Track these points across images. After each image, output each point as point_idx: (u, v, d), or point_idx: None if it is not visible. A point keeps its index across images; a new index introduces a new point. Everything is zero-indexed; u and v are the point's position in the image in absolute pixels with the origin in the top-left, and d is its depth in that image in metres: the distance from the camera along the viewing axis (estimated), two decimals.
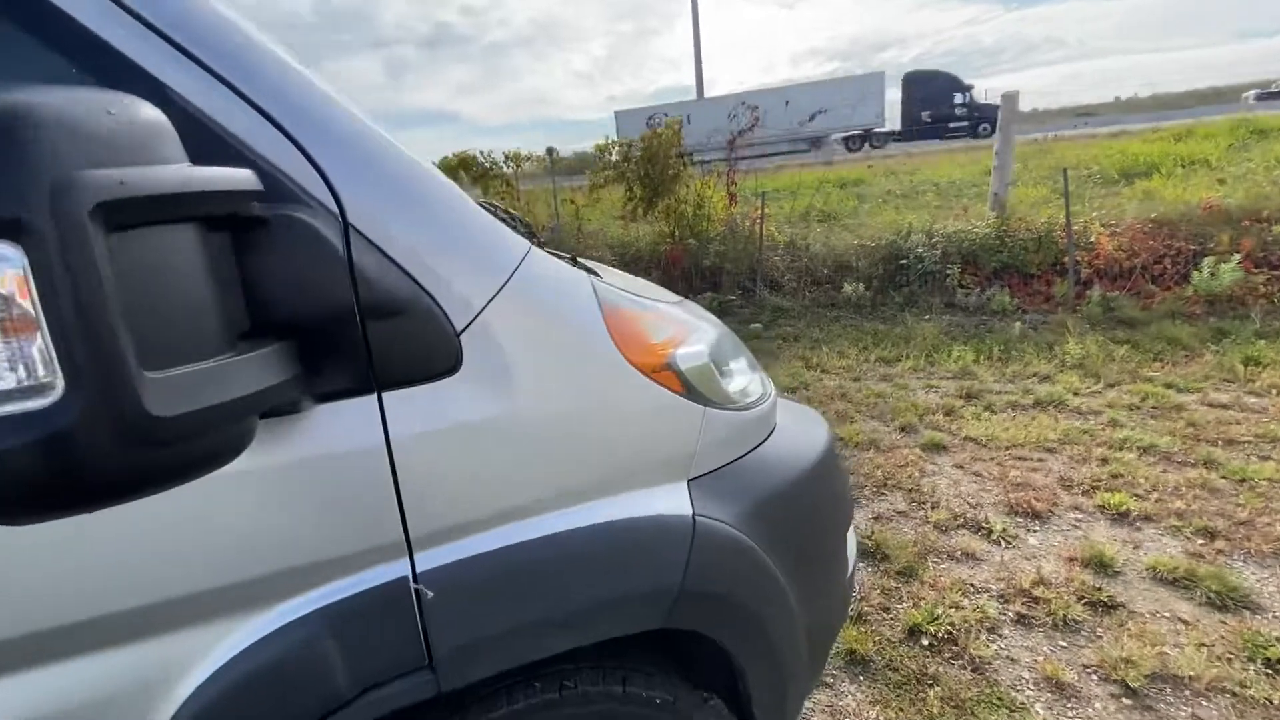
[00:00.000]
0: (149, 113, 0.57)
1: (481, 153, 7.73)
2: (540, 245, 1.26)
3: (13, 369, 0.48)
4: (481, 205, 1.00)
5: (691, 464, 1.07)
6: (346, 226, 0.77)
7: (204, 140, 0.70)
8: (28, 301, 0.48)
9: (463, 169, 7.78)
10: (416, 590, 0.85)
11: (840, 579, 1.39)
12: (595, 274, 1.33)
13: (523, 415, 0.90)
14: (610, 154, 7.07)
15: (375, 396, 0.82)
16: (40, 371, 0.48)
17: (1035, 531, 2.49)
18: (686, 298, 5.79)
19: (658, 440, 1.03)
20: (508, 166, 7.69)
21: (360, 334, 0.78)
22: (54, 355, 0.48)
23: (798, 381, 4.42)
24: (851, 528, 1.51)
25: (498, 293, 0.88)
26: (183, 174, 0.58)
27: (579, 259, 1.55)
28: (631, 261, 6.86)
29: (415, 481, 0.85)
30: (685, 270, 6.42)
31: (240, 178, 0.67)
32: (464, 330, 0.85)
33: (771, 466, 1.22)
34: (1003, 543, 2.43)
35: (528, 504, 0.93)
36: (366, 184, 0.80)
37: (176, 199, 0.57)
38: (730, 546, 1.05)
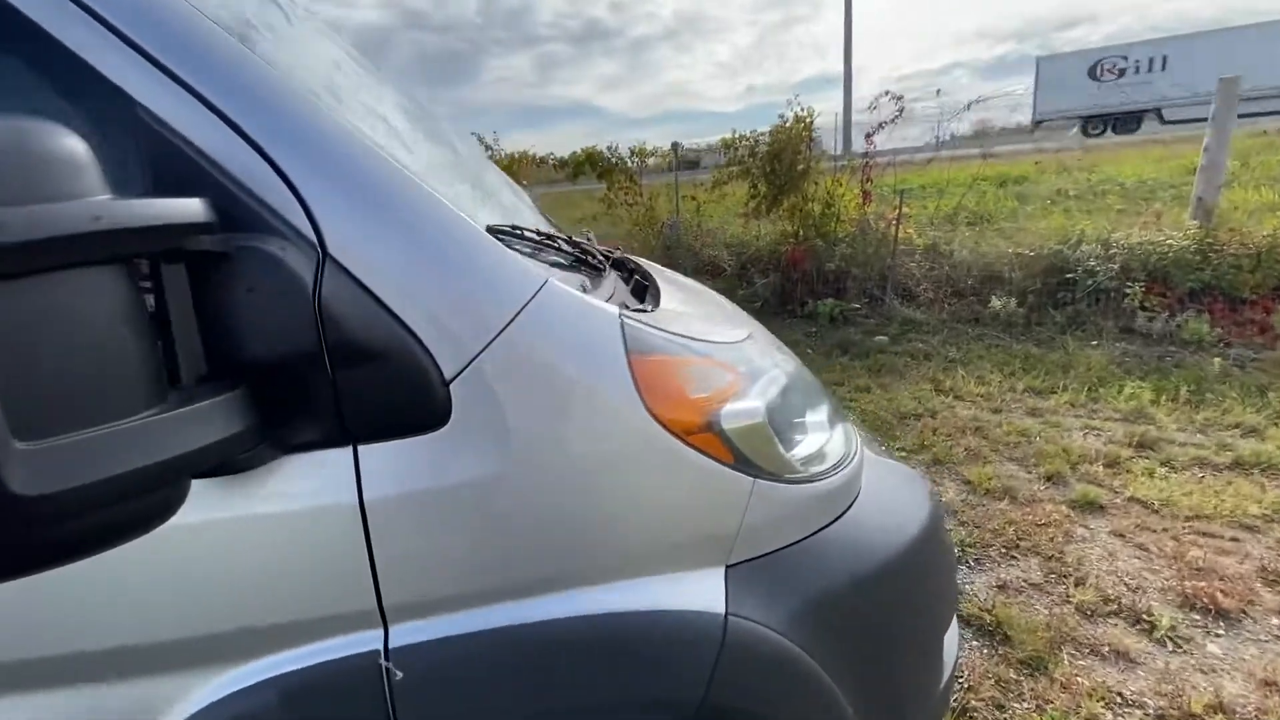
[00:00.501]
0: (54, 142, 0.49)
1: (608, 148, 7.80)
2: (605, 264, 1.12)
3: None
4: (539, 235, 0.84)
5: (732, 548, 0.87)
6: (322, 258, 0.67)
7: (168, 159, 0.63)
8: None
9: (589, 164, 7.88)
10: (386, 668, 0.74)
11: (930, 690, 1.13)
12: (643, 293, 1.16)
13: (521, 481, 0.76)
14: (736, 149, 6.80)
15: (350, 450, 0.72)
16: None
17: (1218, 636, 1.97)
18: (805, 302, 5.49)
19: (688, 517, 0.85)
20: (632, 161, 7.69)
21: (330, 380, 0.68)
22: None
23: (923, 407, 3.95)
24: (954, 625, 1.23)
25: (498, 335, 0.74)
26: (96, 210, 0.50)
27: (641, 272, 1.39)
28: (750, 263, 6.57)
29: (391, 546, 0.74)
30: (806, 273, 6.02)
31: (181, 209, 0.58)
32: (455, 379, 0.73)
33: (843, 553, 0.99)
34: (1169, 644, 1.94)
35: (523, 583, 0.80)
36: (352, 209, 0.70)
37: (81, 240, 0.49)
38: (771, 656, 0.85)
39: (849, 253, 5.89)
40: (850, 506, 1.07)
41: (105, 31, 0.63)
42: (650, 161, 7.99)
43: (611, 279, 1.21)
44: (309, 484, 0.71)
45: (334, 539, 0.72)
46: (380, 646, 0.76)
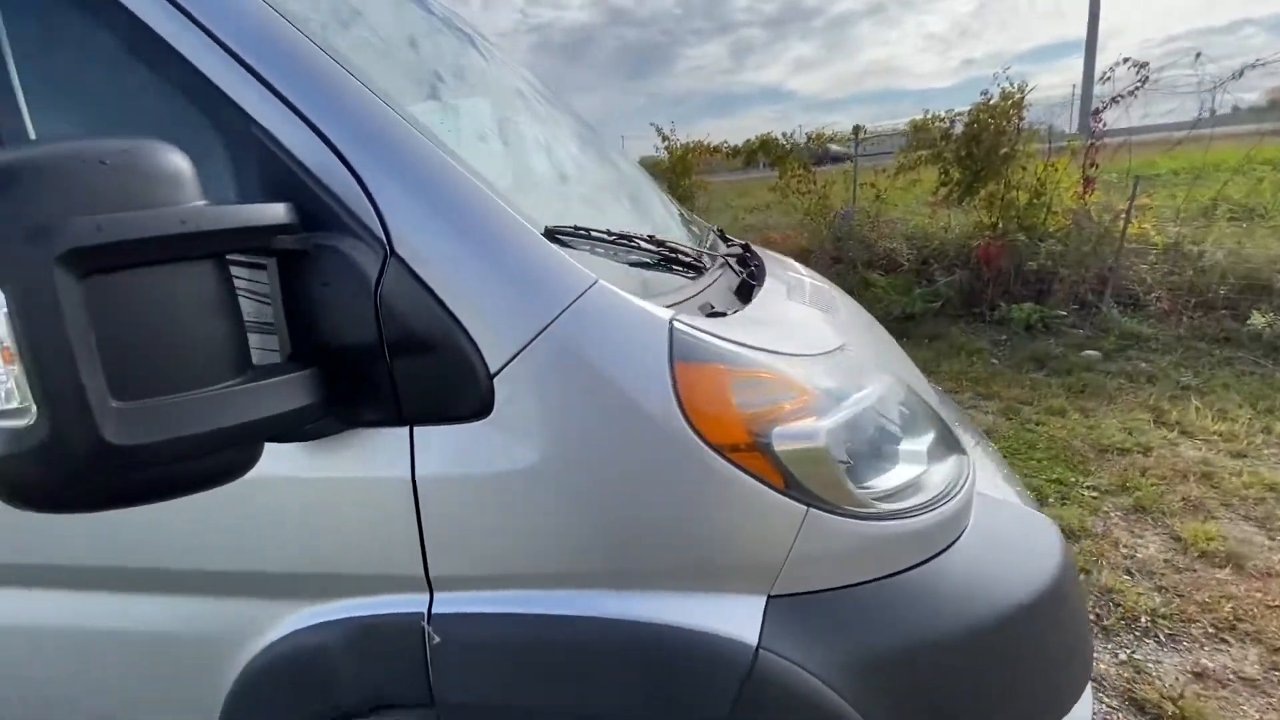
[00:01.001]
0: (160, 160, 0.60)
1: (784, 135, 7.52)
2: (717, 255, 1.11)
3: (5, 397, 0.55)
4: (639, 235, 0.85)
5: (776, 578, 0.81)
6: (388, 256, 0.74)
7: (276, 171, 0.74)
8: (17, 342, 0.55)
9: (762, 151, 7.67)
10: (422, 628, 0.82)
11: None
12: (749, 293, 1.12)
13: (553, 477, 0.78)
14: (927, 131, 6.15)
15: (406, 430, 0.79)
16: (16, 397, 0.55)
17: None
18: (997, 306, 4.91)
19: (724, 538, 0.80)
20: (809, 148, 7.32)
21: (389, 367, 0.76)
22: (26, 384, 0.55)
23: (1134, 441, 3.29)
24: (1086, 709, 1.03)
25: (540, 333, 0.76)
26: (185, 215, 0.61)
27: (756, 271, 1.33)
28: (932, 257, 5.94)
29: (438, 520, 0.80)
30: (1001, 272, 5.29)
31: (267, 213, 0.68)
32: (498, 372, 0.76)
33: (926, 604, 0.87)
34: None
35: (553, 575, 0.82)
36: (420, 211, 0.76)
37: (167, 241, 0.59)
38: (805, 703, 0.78)
39: (1058, 250, 5.06)
40: (946, 550, 0.93)
41: (232, 60, 0.75)
42: (831, 147, 7.54)
43: (709, 278, 1.17)
44: (370, 457, 0.80)
45: (389, 507, 0.81)
46: (425, 610, 0.84)
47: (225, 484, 0.69)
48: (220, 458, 0.67)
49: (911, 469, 0.94)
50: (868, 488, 0.88)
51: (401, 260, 0.75)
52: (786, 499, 0.80)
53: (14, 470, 0.57)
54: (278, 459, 0.76)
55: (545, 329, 0.77)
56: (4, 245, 0.53)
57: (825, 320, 1.21)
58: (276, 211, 0.70)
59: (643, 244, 1.05)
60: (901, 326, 5.64)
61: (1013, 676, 0.93)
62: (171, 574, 0.89)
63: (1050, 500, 2.83)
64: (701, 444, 0.78)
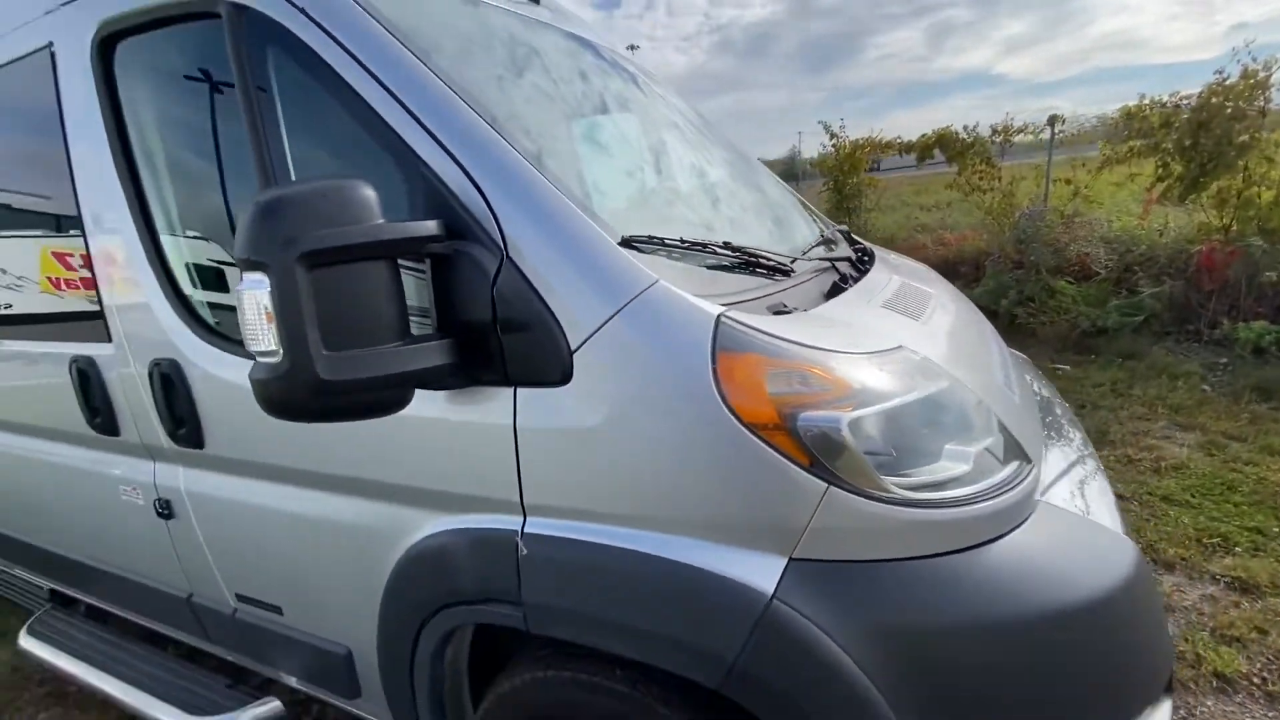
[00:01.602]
0: (356, 193, 0.91)
1: (965, 128, 6.92)
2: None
3: (268, 342, 0.88)
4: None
5: (798, 543, 0.95)
6: (503, 259, 1.00)
7: (431, 191, 1.03)
8: (274, 308, 0.87)
9: (940, 146, 7.14)
10: (513, 542, 1.07)
11: None
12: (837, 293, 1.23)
13: (614, 436, 0.99)
14: (1144, 118, 5.31)
15: (512, 390, 1.05)
16: (273, 344, 0.88)
17: None
18: (1218, 323, 4.44)
19: (749, 502, 0.95)
20: (994, 140, 6.67)
21: (491, 341, 1.01)
22: (284, 335, 0.87)
23: None
24: None
25: (607, 321, 0.97)
26: (371, 229, 0.90)
27: (849, 274, 1.43)
28: (1138, 264, 5.15)
29: (530, 460, 1.06)
30: (1228, 283, 4.45)
31: (420, 229, 0.97)
32: (576, 349, 0.99)
33: (945, 590, 0.94)
34: None
35: (612, 513, 1.03)
36: (525, 223, 1.01)
37: (360, 247, 0.90)
38: (807, 653, 0.91)
39: None
40: (982, 545, 0.98)
41: (405, 106, 1.06)
42: (1019, 139, 6.77)
43: (795, 280, 1.30)
44: (485, 408, 1.07)
45: (497, 447, 1.07)
46: (519, 529, 1.09)
47: (386, 416, 1.00)
48: (385, 395, 0.98)
49: (952, 466, 1.00)
50: (903, 476, 0.97)
51: (512, 262, 1.00)
52: (810, 475, 0.93)
53: (269, 390, 0.91)
54: (422, 403, 1.06)
55: (611, 318, 0.97)
56: (271, 248, 0.85)
57: (898, 323, 1.26)
58: (430, 226, 0.99)
59: (719, 250, 1.21)
60: (1089, 342, 5.00)
61: (1034, 681, 0.95)
62: (359, 481, 1.25)
63: (1237, 550, 2.44)
64: (736, 421, 0.93)
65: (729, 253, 1.23)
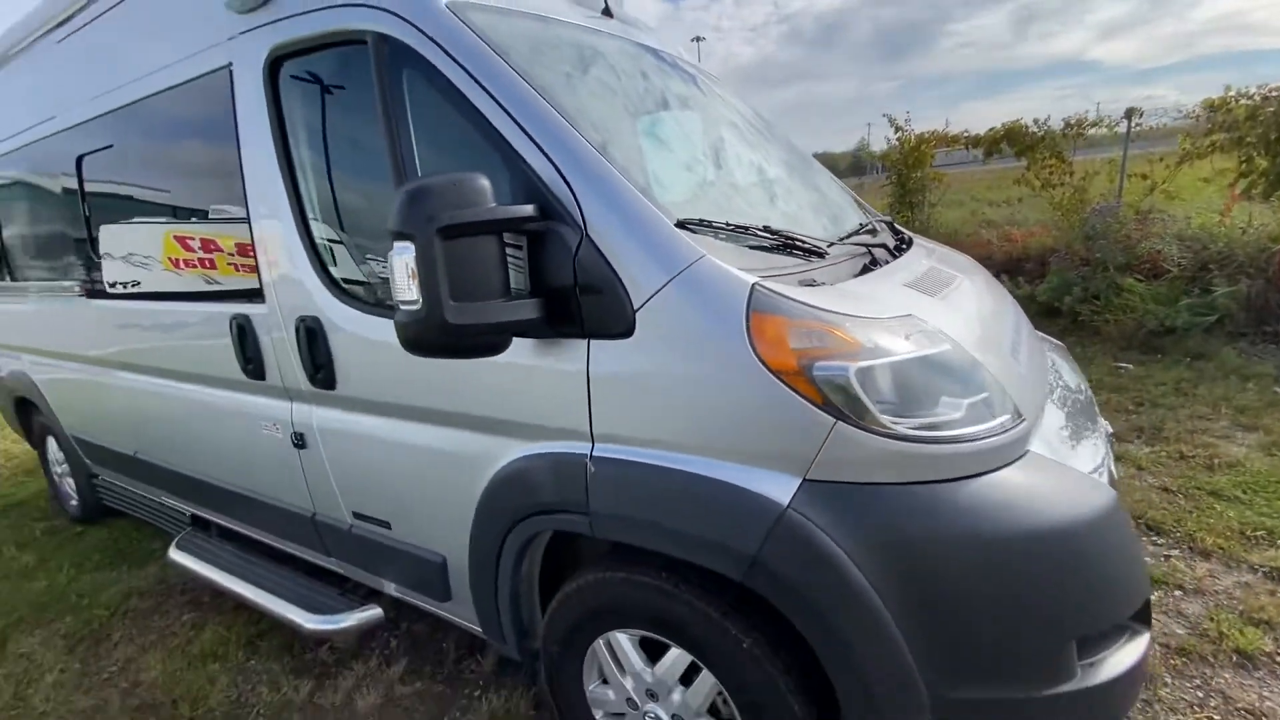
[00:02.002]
0: (476, 183, 1.19)
1: (1035, 120, 6.75)
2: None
3: (411, 294, 1.19)
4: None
5: (810, 466, 1.18)
6: (583, 236, 1.27)
7: (529, 183, 1.32)
8: (417, 268, 1.17)
9: (1007, 140, 7.00)
10: (584, 464, 1.35)
11: (1039, 687, 1.17)
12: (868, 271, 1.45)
13: (667, 378, 1.26)
14: (1229, 110, 5.10)
15: (586, 341, 1.32)
16: (418, 296, 1.18)
17: None
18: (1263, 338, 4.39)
19: (772, 432, 1.19)
20: (1066, 134, 6.49)
21: (573, 301, 1.29)
22: (422, 289, 1.17)
23: None
24: (1128, 655, 1.20)
25: (663, 286, 1.24)
26: (486, 211, 1.19)
27: (881, 257, 1.63)
28: (1214, 262, 4.97)
29: (599, 399, 1.33)
30: None
31: (521, 211, 1.25)
32: (639, 309, 1.26)
33: (931, 510, 1.16)
34: None
35: (661, 439, 1.30)
36: (601, 208, 1.28)
37: (480, 224, 1.19)
38: (812, 550, 1.14)
39: None
40: (971, 478, 1.18)
41: (510, 115, 1.34)
42: (1094, 133, 6.53)
43: (830, 260, 1.52)
44: (565, 355, 1.34)
45: (573, 387, 1.34)
46: (588, 453, 1.37)
47: (492, 356, 1.29)
48: (492, 339, 1.27)
49: (945, 413, 1.20)
50: (903, 417, 1.17)
51: (590, 239, 1.27)
52: (821, 412, 1.15)
53: (410, 331, 1.22)
54: (517, 350, 1.35)
55: (666, 284, 1.23)
56: (417, 223, 1.15)
57: (914, 298, 1.45)
58: (529, 209, 1.27)
59: (760, 233, 1.44)
60: (1156, 342, 4.89)
61: (1005, 590, 1.14)
62: (460, 415, 1.56)
63: None
64: (764, 368, 1.17)
65: (768, 235, 1.46)
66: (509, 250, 1.27)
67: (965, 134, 7.83)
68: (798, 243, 1.50)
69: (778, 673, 1.27)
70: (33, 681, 2.43)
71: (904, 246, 2.01)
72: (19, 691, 2.37)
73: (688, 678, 1.43)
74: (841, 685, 1.21)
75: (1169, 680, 1.91)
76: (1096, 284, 5.44)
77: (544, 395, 1.41)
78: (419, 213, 1.15)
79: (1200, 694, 1.85)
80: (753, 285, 1.22)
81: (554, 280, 1.30)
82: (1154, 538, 2.62)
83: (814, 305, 1.23)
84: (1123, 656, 1.23)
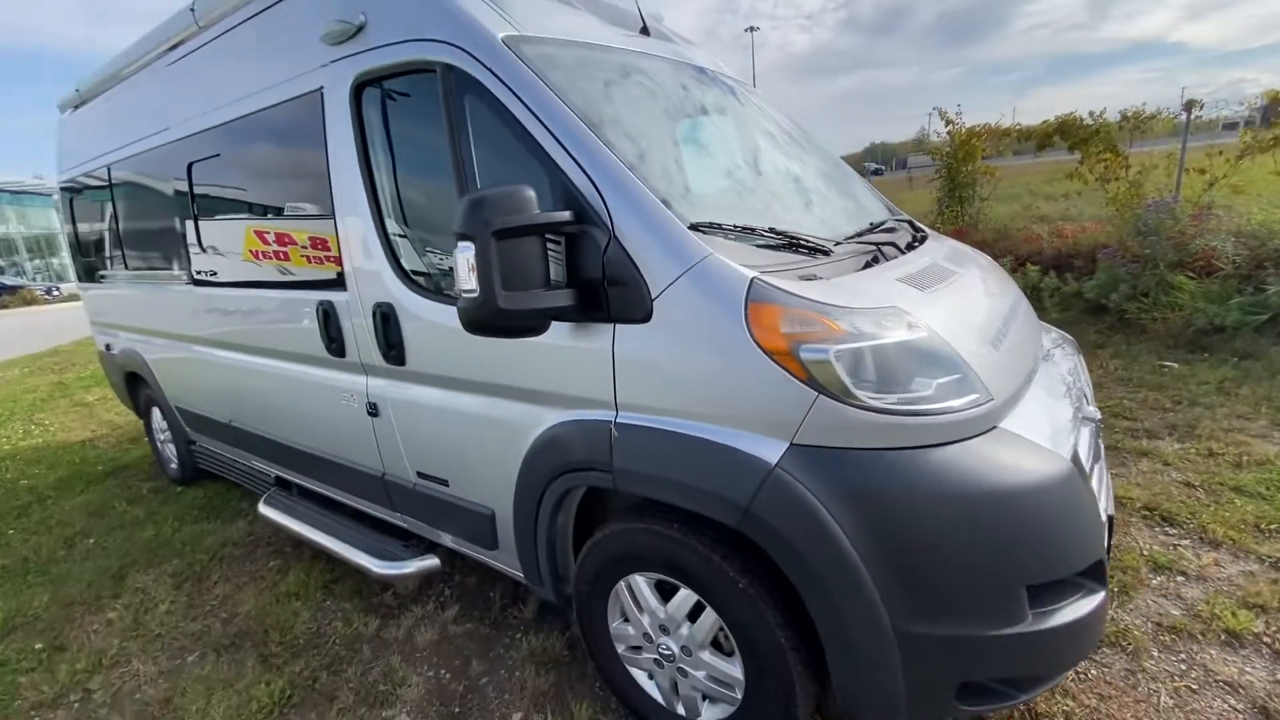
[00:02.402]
0: (524, 193, 1.46)
1: (1090, 113, 6.60)
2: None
3: (471, 285, 1.46)
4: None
5: (796, 432, 1.40)
6: (612, 237, 1.52)
7: (567, 193, 1.58)
8: (476, 264, 1.45)
9: (1060, 134, 6.86)
10: (609, 429, 1.61)
11: (995, 626, 1.36)
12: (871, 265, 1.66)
13: (678, 356, 1.50)
14: None
15: (612, 325, 1.57)
16: (475, 286, 1.46)
17: None
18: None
19: (764, 403, 1.42)
20: (1122, 127, 6.32)
21: (602, 291, 1.54)
22: (480, 280, 1.44)
23: None
24: (1084, 601, 1.38)
25: (676, 279, 1.48)
26: (532, 216, 1.46)
27: (884, 255, 1.82)
28: (1274, 260, 4.83)
29: (622, 373, 1.59)
30: None
31: (560, 216, 1.51)
32: (656, 298, 1.50)
33: (900, 472, 1.37)
34: None
35: (671, 408, 1.54)
36: (626, 213, 1.53)
37: (527, 228, 1.45)
38: (794, 503, 1.37)
39: None
40: (938, 446, 1.37)
41: (555, 138, 1.60)
42: (1155, 125, 6.32)
43: (834, 257, 1.72)
44: (594, 337, 1.60)
45: (602, 364, 1.60)
46: (613, 419, 1.62)
47: (534, 337, 1.57)
48: (535, 322, 1.54)
49: (917, 390, 1.40)
50: (879, 393, 1.38)
51: (616, 239, 1.52)
52: (806, 387, 1.37)
53: (469, 314, 1.49)
54: (555, 332, 1.61)
55: (679, 277, 1.46)
56: (476, 227, 1.42)
57: (903, 291, 1.63)
58: (566, 215, 1.53)
59: (765, 234, 1.66)
60: (1205, 340, 4.80)
61: (963, 540, 1.33)
62: (509, 388, 1.84)
63: None
64: (758, 349, 1.39)
65: (774, 235, 1.67)
66: (549, 248, 1.54)
67: (1017, 126, 7.70)
68: (802, 242, 1.71)
69: (768, 610, 1.50)
70: (148, 610, 2.87)
71: (916, 244, 2.18)
72: (137, 618, 2.82)
73: (694, 615, 1.68)
74: (820, 620, 1.42)
75: (1155, 654, 2.04)
76: (1145, 281, 5.35)
77: (576, 370, 1.67)
78: (478, 218, 1.42)
79: (1183, 666, 1.98)
80: (752, 279, 1.44)
81: (586, 273, 1.56)
82: (1166, 528, 2.70)
83: (804, 296, 1.45)
84: (1074, 610, 1.41)
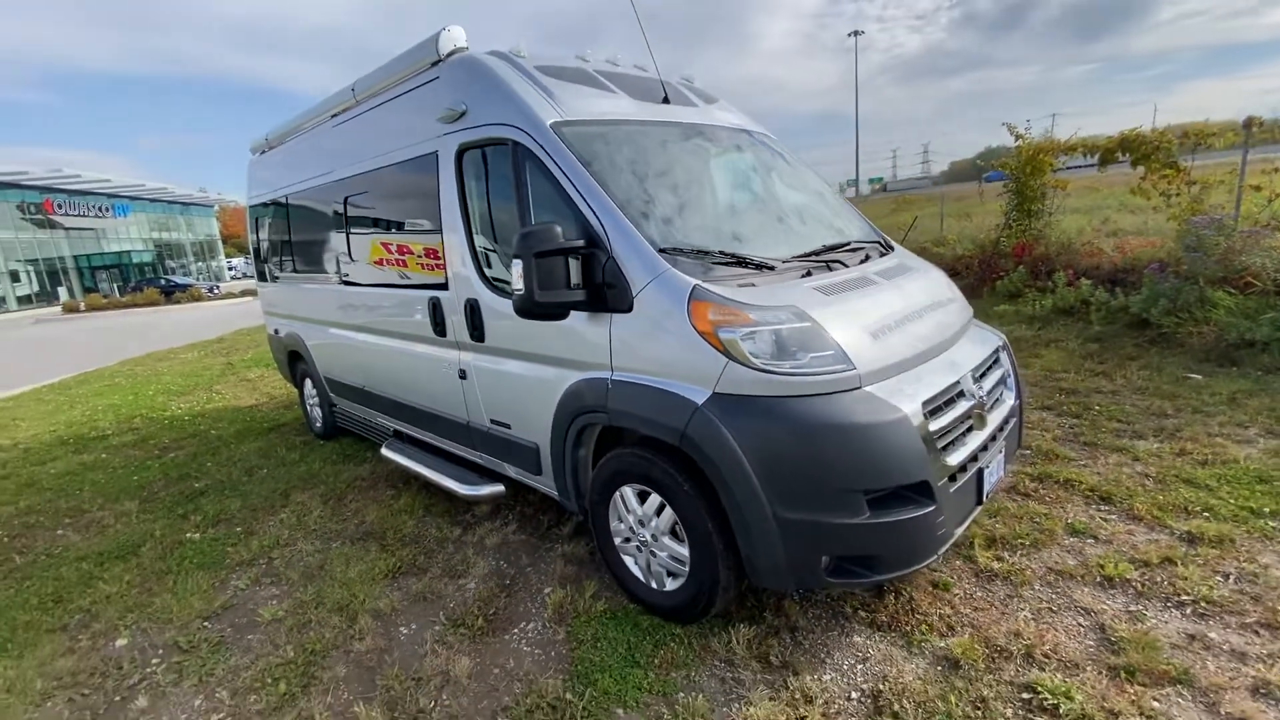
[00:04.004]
0: (554, 229, 2.32)
1: (1152, 129, 6.63)
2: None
3: (520, 286, 2.34)
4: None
5: (715, 384, 2.17)
6: (610, 257, 2.37)
7: (584, 228, 2.44)
8: (524, 273, 2.33)
9: (1123, 149, 6.93)
10: (606, 384, 2.45)
11: (839, 515, 2.06)
12: (810, 275, 2.38)
13: (647, 335, 2.31)
14: None
15: (609, 314, 2.41)
16: (520, 284, 2.34)
17: None
18: None
19: (697, 366, 2.20)
20: (1183, 142, 6.33)
21: (603, 292, 2.38)
22: (525, 284, 2.32)
23: None
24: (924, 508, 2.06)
25: (646, 285, 2.29)
26: (559, 243, 2.33)
27: (828, 268, 2.53)
28: None
29: (616, 346, 2.43)
30: None
31: (577, 243, 2.37)
32: (636, 295, 2.32)
33: (780, 413, 2.10)
34: None
35: (644, 369, 2.36)
36: (619, 241, 2.36)
37: (556, 250, 2.32)
38: (710, 429, 2.14)
39: None
40: (810, 397, 2.09)
41: (577, 191, 2.45)
42: (1217, 142, 6.23)
43: (780, 271, 2.46)
44: (597, 323, 2.43)
45: (603, 340, 2.43)
46: (609, 377, 2.45)
47: (559, 322, 2.44)
48: (559, 310, 2.40)
49: (797, 361, 2.12)
50: (772, 361, 2.11)
51: (613, 257, 2.35)
52: (721, 355, 2.13)
53: (519, 305, 2.36)
54: (574, 319, 2.47)
55: (650, 283, 2.27)
56: (524, 250, 2.29)
57: (813, 295, 2.32)
58: (581, 243, 2.38)
59: (720, 254, 2.43)
60: (1236, 354, 4.94)
61: (807, 456, 2.03)
62: (547, 356, 2.71)
63: (1206, 515, 2.91)
64: (694, 332, 2.17)
65: (726, 256, 2.44)
66: (570, 263, 2.39)
67: (1083, 140, 7.76)
68: (749, 260, 2.46)
69: (701, 506, 2.26)
70: (305, 515, 4.00)
71: (868, 259, 2.87)
72: (299, 519, 3.95)
73: (660, 512, 2.46)
74: (729, 510, 2.17)
75: (1036, 587, 2.58)
76: (1185, 296, 5.48)
77: (587, 344, 2.51)
78: (525, 245, 2.30)
79: (1055, 597, 2.51)
80: (694, 285, 2.22)
81: (593, 280, 2.40)
82: (1100, 505, 3.15)
83: (728, 297, 2.21)
84: (903, 513, 2.06)
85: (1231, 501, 3.04)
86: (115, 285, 38.64)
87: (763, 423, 2.09)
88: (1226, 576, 2.52)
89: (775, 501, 2.08)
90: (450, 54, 3.07)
